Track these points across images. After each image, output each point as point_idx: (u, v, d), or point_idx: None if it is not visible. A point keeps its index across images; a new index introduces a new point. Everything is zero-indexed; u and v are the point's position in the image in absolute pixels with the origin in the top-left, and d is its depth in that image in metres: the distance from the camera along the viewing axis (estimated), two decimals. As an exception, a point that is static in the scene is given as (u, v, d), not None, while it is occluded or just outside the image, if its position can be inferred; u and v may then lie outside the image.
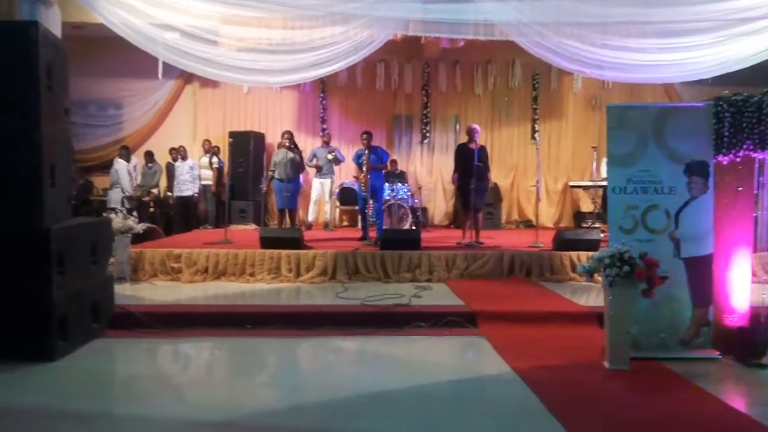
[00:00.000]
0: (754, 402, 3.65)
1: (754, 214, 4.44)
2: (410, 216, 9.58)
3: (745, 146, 4.19)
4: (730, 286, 4.34)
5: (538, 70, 11.57)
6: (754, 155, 4.23)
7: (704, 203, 4.33)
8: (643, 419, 3.23)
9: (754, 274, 5.45)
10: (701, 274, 4.33)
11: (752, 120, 4.18)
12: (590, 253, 5.74)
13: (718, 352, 4.28)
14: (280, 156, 9.39)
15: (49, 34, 4.41)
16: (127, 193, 9.74)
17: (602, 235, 7.13)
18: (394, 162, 10.96)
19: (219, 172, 10.43)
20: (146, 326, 4.91)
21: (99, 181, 10.98)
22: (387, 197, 9.41)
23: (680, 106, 4.91)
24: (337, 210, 11.03)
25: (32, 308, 4.06)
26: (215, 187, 10.41)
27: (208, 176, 10.45)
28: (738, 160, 4.26)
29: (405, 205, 9.61)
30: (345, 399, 3.52)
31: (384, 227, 8.44)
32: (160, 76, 8.72)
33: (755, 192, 4.34)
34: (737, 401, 3.66)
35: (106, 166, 10.28)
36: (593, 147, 9.25)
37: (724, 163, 4.30)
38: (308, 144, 11.24)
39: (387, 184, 9.46)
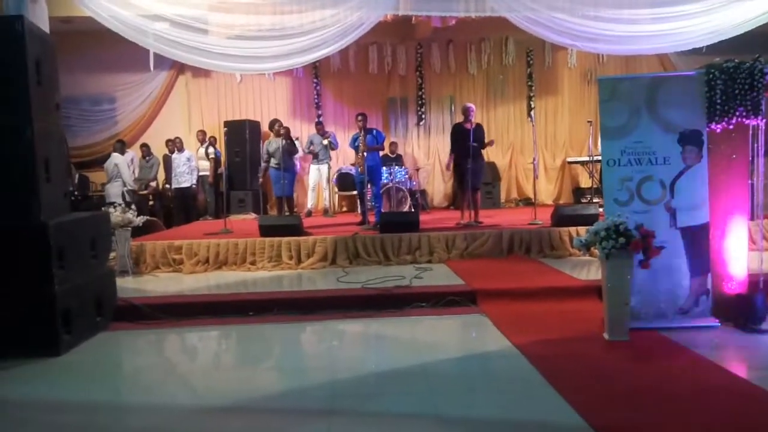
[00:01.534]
0: (754, 367, 3.68)
1: (750, 182, 4.44)
2: (409, 199, 9.59)
3: (737, 113, 4.18)
4: (728, 254, 4.37)
5: (531, 46, 11.49)
6: (747, 122, 4.22)
7: (699, 172, 4.33)
8: (644, 389, 3.25)
9: (751, 242, 5.48)
10: (698, 243, 4.34)
11: (744, 86, 4.16)
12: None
13: (717, 320, 4.31)
14: (274, 145, 9.38)
15: (35, 28, 4.39)
16: (128, 187, 9.72)
17: (600, 209, 7.13)
18: (394, 144, 10.95)
19: (216, 162, 10.42)
20: (150, 317, 4.95)
21: (95, 176, 10.97)
22: (385, 181, 9.41)
23: (672, 76, 4.87)
24: (336, 195, 11.05)
25: (35, 304, 4.10)
26: (212, 177, 10.40)
27: (205, 167, 10.42)
28: (731, 127, 4.24)
29: (403, 188, 9.61)
30: (350, 380, 3.56)
31: (383, 211, 8.46)
32: (151, 67, 8.69)
33: (749, 159, 4.34)
34: (738, 367, 3.68)
35: (102, 161, 10.25)
36: (589, 121, 9.21)
37: (718, 131, 4.28)
38: (304, 130, 11.22)
39: (384, 168, 9.46)
